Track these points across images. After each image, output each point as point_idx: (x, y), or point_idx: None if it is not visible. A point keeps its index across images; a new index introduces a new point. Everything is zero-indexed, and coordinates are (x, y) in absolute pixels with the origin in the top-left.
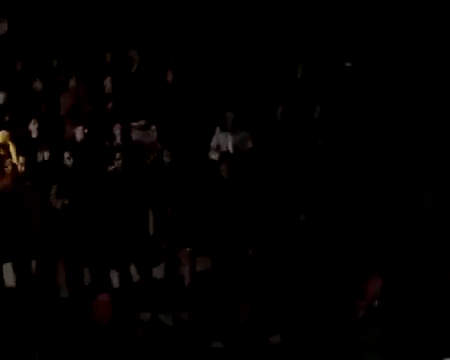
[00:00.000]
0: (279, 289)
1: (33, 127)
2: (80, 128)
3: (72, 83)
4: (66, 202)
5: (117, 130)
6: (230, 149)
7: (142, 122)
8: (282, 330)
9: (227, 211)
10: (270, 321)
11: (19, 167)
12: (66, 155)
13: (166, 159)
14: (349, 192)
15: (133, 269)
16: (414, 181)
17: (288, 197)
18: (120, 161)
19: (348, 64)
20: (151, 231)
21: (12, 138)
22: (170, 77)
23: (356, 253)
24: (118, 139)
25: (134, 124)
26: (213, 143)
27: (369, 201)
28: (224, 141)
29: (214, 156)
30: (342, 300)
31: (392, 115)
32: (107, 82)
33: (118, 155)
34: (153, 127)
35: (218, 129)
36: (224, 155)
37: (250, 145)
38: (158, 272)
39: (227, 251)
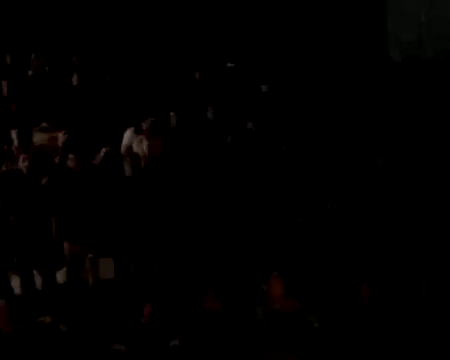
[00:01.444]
0: (180, 293)
1: None
2: None
3: None
4: None
5: (14, 134)
6: (145, 152)
7: (44, 125)
8: (182, 334)
9: (131, 214)
10: (171, 325)
11: None
12: None
13: (70, 163)
14: (252, 194)
15: (35, 273)
16: (317, 187)
17: (191, 200)
18: (25, 164)
19: (230, 65)
20: (54, 235)
21: None
22: (75, 80)
23: (256, 255)
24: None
25: (36, 128)
26: (124, 144)
27: (270, 202)
28: (136, 143)
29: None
30: (243, 303)
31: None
32: (4, 86)
33: (22, 158)
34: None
35: (130, 130)
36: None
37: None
38: (60, 276)
39: (130, 254)
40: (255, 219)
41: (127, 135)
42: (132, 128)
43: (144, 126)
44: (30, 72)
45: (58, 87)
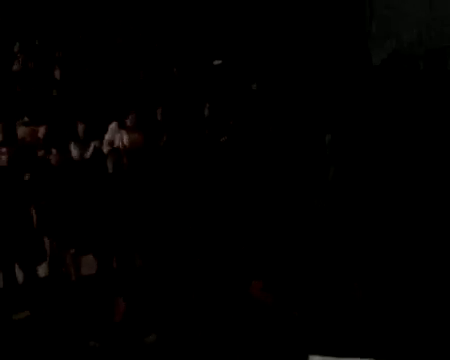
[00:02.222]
0: (155, 289)
1: None
2: None
3: None
4: None
5: None
6: (126, 144)
7: (26, 119)
8: (158, 330)
9: (112, 210)
10: (146, 321)
11: None
12: None
13: (52, 158)
14: (235, 189)
15: (16, 268)
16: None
17: (174, 195)
18: (5, 157)
19: (217, 62)
20: (35, 229)
21: None
22: (57, 74)
23: (235, 256)
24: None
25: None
26: (106, 139)
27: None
28: (118, 137)
29: (105, 150)
30: (218, 300)
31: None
32: None
33: (3, 151)
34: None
35: (114, 125)
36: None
37: (142, 143)
38: (42, 271)
39: (111, 250)
40: (236, 216)
41: (110, 129)
42: (116, 122)
43: (126, 120)
44: (14, 66)
45: (41, 81)
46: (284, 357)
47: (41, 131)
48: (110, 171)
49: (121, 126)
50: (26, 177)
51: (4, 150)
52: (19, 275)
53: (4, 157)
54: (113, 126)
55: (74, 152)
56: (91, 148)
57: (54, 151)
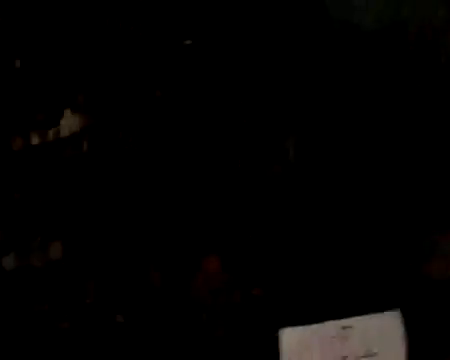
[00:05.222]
0: (125, 267)
1: None
2: None
3: None
4: None
5: None
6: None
7: None
8: (125, 310)
9: (76, 194)
10: (115, 301)
11: None
12: None
13: (15, 146)
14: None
15: None
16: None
17: (132, 176)
18: None
19: (188, 42)
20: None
21: None
22: (18, 64)
23: (195, 229)
24: None
25: None
26: (63, 124)
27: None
28: (74, 123)
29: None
30: (181, 281)
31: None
32: None
33: None
34: None
35: (67, 111)
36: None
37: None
38: (8, 262)
39: (78, 235)
40: (194, 193)
41: (66, 113)
42: (68, 108)
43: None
44: None
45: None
46: (253, 335)
47: None
48: (68, 156)
49: (74, 110)
50: None
51: None
52: None
53: None
54: (68, 111)
55: (34, 139)
56: (50, 134)
57: (18, 138)
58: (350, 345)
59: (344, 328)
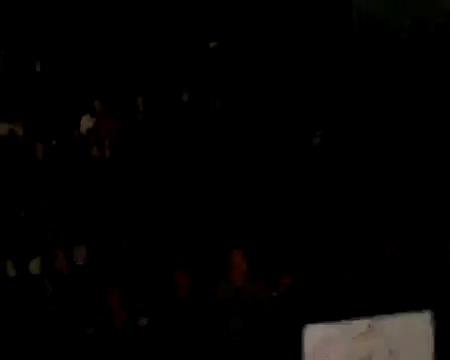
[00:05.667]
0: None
1: None
2: None
3: None
4: None
5: None
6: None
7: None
8: (151, 313)
9: (99, 199)
10: (140, 305)
11: None
12: None
13: (39, 155)
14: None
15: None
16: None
17: (155, 180)
18: None
19: (213, 44)
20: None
21: None
22: (38, 67)
23: (221, 230)
24: None
25: None
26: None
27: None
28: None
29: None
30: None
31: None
32: None
33: None
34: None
35: (86, 116)
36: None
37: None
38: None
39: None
40: (218, 195)
41: (83, 122)
42: (87, 114)
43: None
44: None
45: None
46: (277, 330)
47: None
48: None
49: (93, 115)
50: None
51: None
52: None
53: None
54: (85, 118)
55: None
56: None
57: (39, 144)
58: (375, 344)
59: (370, 327)
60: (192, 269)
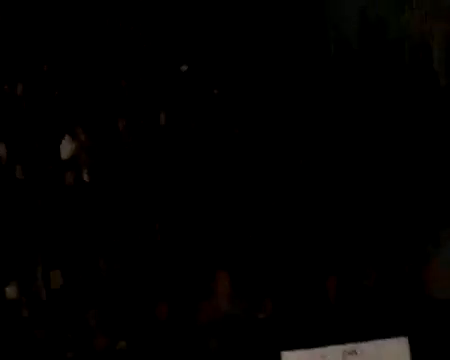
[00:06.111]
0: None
1: None
2: None
3: None
4: None
5: None
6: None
7: None
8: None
9: (78, 222)
10: (118, 327)
11: None
12: None
13: (18, 174)
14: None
15: None
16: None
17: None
18: None
19: (184, 68)
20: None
21: None
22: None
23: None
24: None
25: None
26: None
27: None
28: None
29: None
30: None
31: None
32: None
33: None
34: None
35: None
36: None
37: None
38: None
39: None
40: (201, 215)
41: (64, 145)
42: (68, 136)
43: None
44: None
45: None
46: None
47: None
48: (70, 184)
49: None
50: None
51: None
52: None
53: None
54: (66, 139)
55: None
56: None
57: (19, 167)
58: None
59: (349, 353)
60: (172, 294)
